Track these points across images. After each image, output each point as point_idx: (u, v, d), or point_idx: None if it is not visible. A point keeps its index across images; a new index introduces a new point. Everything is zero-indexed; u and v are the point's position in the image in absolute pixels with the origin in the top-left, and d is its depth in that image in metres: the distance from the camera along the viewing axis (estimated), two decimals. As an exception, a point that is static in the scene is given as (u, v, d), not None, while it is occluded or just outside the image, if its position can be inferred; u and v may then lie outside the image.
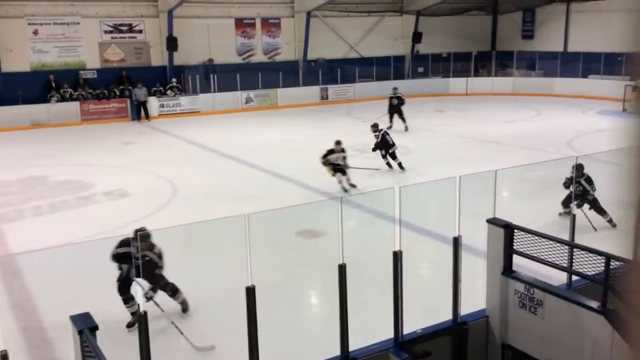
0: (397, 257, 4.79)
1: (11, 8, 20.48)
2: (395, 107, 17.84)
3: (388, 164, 12.87)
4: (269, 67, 25.02)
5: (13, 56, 20.71)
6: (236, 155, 14.76)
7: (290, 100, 24.01)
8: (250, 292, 4.14)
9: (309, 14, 25.52)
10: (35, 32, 21.20)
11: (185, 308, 6.53)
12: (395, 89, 18.37)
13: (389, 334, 4.91)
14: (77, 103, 20.77)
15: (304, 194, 11.13)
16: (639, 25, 0.63)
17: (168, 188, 11.97)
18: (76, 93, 21.14)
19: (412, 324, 5.05)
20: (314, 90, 25.05)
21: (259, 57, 25.60)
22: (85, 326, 3.56)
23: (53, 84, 20.87)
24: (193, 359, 5.79)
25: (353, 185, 11.53)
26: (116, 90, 21.83)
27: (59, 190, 11.99)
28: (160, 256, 6.20)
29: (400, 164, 12.77)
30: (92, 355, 3.45)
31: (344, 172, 11.45)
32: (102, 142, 17.19)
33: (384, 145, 12.82)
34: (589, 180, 8.82)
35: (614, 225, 8.85)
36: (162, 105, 22.05)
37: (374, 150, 12.96)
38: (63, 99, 20.81)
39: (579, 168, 8.60)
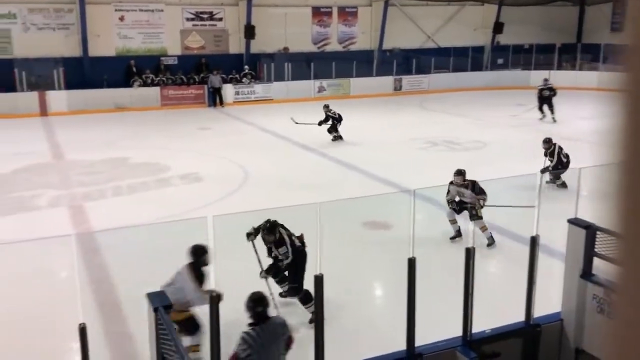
0: (469, 253, 4.65)
1: (100, -5, 21.43)
2: (547, 99, 17.60)
3: (335, 137, 15.13)
4: (343, 57, 24.95)
5: (100, 41, 21.69)
6: (307, 144, 14.83)
7: (363, 90, 23.87)
8: (319, 281, 4.13)
9: (386, 3, 25.21)
10: (122, 19, 22.10)
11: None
12: (545, 80, 18.07)
13: (457, 331, 4.79)
14: (157, 88, 21.53)
15: (372, 184, 11.03)
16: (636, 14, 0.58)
17: (240, 174, 12.20)
18: (157, 79, 21.91)
19: (482, 323, 4.89)
20: (388, 81, 24.78)
21: (334, 46, 25.58)
22: (160, 304, 3.67)
23: (134, 69, 21.71)
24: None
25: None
26: (195, 77, 22.46)
27: (138, 172, 12.48)
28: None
29: (338, 137, 15.09)
30: (165, 333, 3.55)
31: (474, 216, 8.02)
32: (180, 127, 17.74)
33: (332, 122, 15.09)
34: (552, 154, 10.26)
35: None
36: (237, 93, 22.49)
37: (319, 124, 14.93)
38: (145, 84, 21.62)
39: (547, 141, 10.33)
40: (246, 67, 23.17)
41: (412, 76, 25.35)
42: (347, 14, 25.67)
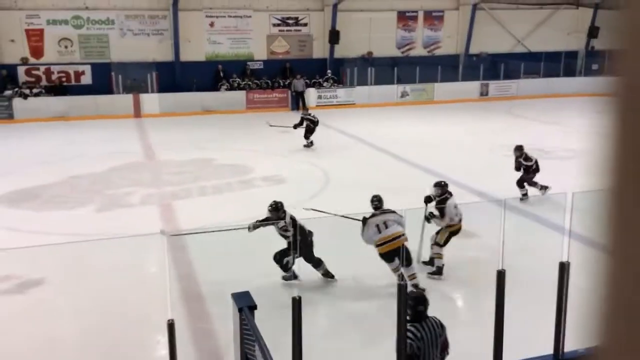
0: (563, 268, 4.38)
1: (193, 1, 22.25)
2: None
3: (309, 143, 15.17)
4: (427, 61, 24.56)
5: (191, 47, 22.54)
6: (389, 149, 14.68)
7: (447, 96, 23.38)
8: (402, 289, 4.03)
9: (474, 7, 24.60)
10: (212, 25, 22.87)
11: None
12: None
13: (548, 349, 4.53)
14: (243, 92, 22.09)
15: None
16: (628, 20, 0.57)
17: (321, 177, 12.24)
18: (243, 83, 22.48)
19: (574, 342, 4.60)
20: (474, 86, 24.14)
21: (418, 50, 25.24)
22: (245, 304, 3.70)
23: (221, 74, 22.40)
24: (341, 333, 5.84)
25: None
26: (280, 81, 22.87)
27: (223, 173, 12.81)
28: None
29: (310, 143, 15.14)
30: (249, 333, 3.58)
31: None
32: (263, 130, 18.07)
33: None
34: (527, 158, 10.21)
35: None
36: (319, 97, 22.65)
37: (294, 127, 15.30)
38: (232, 88, 22.24)
39: (518, 149, 10.32)
40: (329, 71, 23.32)
41: (500, 81, 24.55)
42: (433, 18, 25.26)
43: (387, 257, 6.81)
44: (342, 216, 7.45)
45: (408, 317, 4.15)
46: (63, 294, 7.12)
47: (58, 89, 20.95)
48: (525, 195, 10.31)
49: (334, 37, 23.30)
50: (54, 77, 21.41)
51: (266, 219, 7.20)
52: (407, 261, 6.76)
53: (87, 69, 21.77)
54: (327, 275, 7.23)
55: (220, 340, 5.86)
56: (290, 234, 6.99)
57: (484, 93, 24.13)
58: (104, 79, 21.44)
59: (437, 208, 7.40)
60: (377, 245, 6.79)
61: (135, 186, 11.74)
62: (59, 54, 21.61)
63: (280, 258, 7.11)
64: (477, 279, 6.94)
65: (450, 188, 7.65)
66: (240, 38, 23.29)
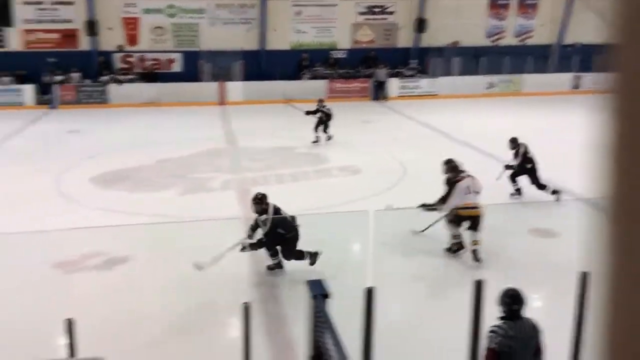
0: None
1: (281, -10, 22.59)
2: None
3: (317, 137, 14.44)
4: (517, 51, 23.61)
5: (276, 35, 22.89)
6: (471, 142, 14.27)
7: (537, 87, 22.41)
8: (479, 285, 3.91)
9: (571, -6, 23.39)
10: (298, 13, 23.10)
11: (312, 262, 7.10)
12: None
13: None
14: (325, 81, 22.19)
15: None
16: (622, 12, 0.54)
17: (399, 168, 12.11)
18: (326, 72, 22.58)
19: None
20: (565, 78, 22.99)
21: (509, 39, 24.33)
22: (319, 292, 3.75)
23: (305, 63, 22.60)
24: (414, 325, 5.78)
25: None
26: (362, 70, 22.78)
27: (300, 161, 12.97)
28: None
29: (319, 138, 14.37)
30: (322, 321, 3.63)
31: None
32: (343, 120, 18.08)
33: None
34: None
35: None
36: (401, 87, 22.37)
37: (306, 114, 14.46)
38: (314, 77, 22.40)
39: (513, 141, 9.89)
40: (413, 61, 22.96)
41: (596, 74, 23.22)
42: (527, 6, 24.22)
43: (457, 221, 7.14)
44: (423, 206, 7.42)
45: (502, 315, 4.06)
46: (147, 271, 7.48)
47: (150, 75, 21.93)
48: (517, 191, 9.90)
49: (420, 25, 22.90)
50: (147, 64, 22.43)
51: (251, 226, 7.11)
52: (476, 227, 7.11)
53: (178, 56, 22.65)
54: (314, 257, 7.10)
55: (293, 325, 5.96)
56: (266, 229, 6.92)
57: (576, 86, 22.93)
58: (193, 66, 22.23)
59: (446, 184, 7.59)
60: (457, 208, 7.02)
61: (216, 171, 12.12)
62: (153, 42, 22.60)
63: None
64: (553, 280, 6.64)
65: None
66: (325, 27, 23.38)
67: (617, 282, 0.55)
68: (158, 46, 22.62)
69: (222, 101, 21.34)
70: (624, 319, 0.55)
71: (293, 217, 7.10)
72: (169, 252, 7.93)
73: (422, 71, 23.08)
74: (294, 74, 22.46)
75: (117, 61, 22.38)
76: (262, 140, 14.87)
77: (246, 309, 4.26)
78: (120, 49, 22.32)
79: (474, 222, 7.06)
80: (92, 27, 21.56)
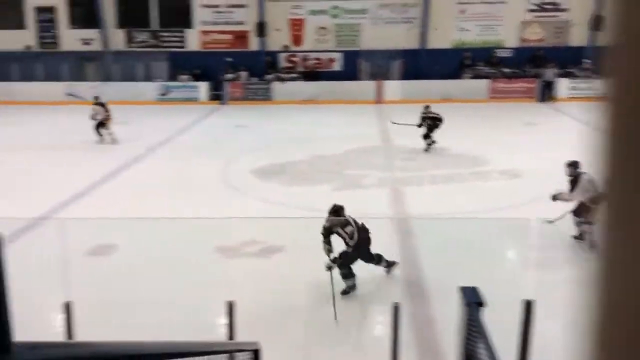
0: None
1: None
2: None
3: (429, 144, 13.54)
4: None
5: (437, 34, 22.48)
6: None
7: None
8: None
9: None
10: (462, 12, 22.48)
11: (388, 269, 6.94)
12: None
13: None
14: (487, 81, 21.33)
15: None
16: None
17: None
18: (488, 71, 21.70)
19: None
20: None
21: None
22: (473, 300, 3.58)
23: (467, 62, 21.90)
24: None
25: None
26: (529, 69, 21.54)
27: (456, 163, 12.57)
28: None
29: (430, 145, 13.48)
30: (475, 331, 3.46)
31: None
32: (505, 121, 17.28)
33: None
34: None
35: None
36: (572, 88, 20.78)
37: (419, 126, 13.66)
38: (476, 77, 21.65)
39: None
40: (587, 60, 21.20)
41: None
42: None
43: (586, 211, 7.57)
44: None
45: None
46: (300, 263, 7.73)
47: (311, 74, 22.73)
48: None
49: (597, 22, 21.06)
50: (309, 63, 23.28)
51: (326, 241, 6.78)
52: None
53: (339, 56, 23.19)
54: (390, 266, 6.94)
55: (441, 330, 5.79)
56: (354, 241, 6.64)
57: None
58: (353, 65, 22.63)
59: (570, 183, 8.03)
60: (590, 200, 7.52)
61: (370, 169, 12.19)
62: (316, 42, 23.39)
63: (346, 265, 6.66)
64: None
65: None
66: (490, 25, 22.48)
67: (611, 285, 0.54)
68: (320, 46, 23.36)
69: (379, 100, 21.46)
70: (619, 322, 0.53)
71: (363, 224, 6.88)
72: (319, 245, 8.11)
73: (597, 72, 21.21)
74: (455, 73, 21.89)
75: (282, 60, 23.50)
76: (417, 140, 14.67)
77: (396, 309, 4.21)
78: (285, 49, 23.41)
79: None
80: (261, 28, 22.87)
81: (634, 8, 0.53)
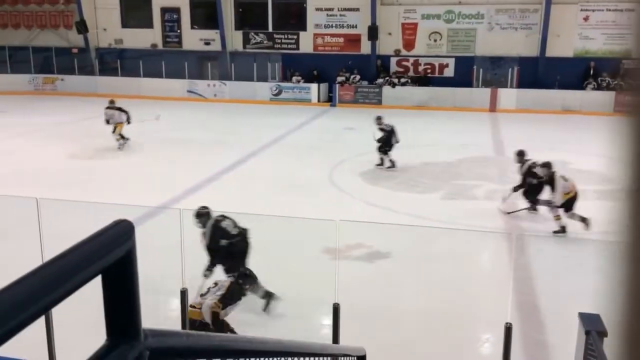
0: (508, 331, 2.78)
1: (567, -6, 21.01)
2: None
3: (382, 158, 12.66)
4: None
5: (558, 42, 21.35)
6: None
7: None
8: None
9: None
10: (586, 19, 21.20)
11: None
12: None
13: None
14: (612, 93, 19.96)
15: None
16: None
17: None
18: (614, 82, 20.31)
19: None
20: None
21: None
22: (594, 328, 3.32)
23: (592, 72, 20.62)
24: None
25: None
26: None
27: (577, 179, 11.82)
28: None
29: (390, 161, 12.57)
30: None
31: None
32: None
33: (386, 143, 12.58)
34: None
35: None
36: None
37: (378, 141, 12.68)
38: (599, 88, 20.34)
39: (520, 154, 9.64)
40: None
41: None
42: None
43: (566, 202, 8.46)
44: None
45: None
46: (405, 270, 7.61)
47: (422, 79, 22.41)
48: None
49: None
50: (420, 68, 22.96)
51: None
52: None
53: (451, 61, 22.68)
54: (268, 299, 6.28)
55: (555, 356, 5.46)
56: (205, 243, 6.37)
57: None
58: (466, 72, 22.03)
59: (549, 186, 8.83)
60: (565, 193, 8.44)
61: (481, 180, 11.78)
62: (428, 47, 23.03)
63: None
64: None
65: None
66: (618, 34, 21.01)
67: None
68: (433, 51, 22.97)
69: (493, 108, 20.74)
70: None
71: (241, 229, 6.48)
72: (428, 254, 7.94)
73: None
74: (576, 84, 20.68)
75: (393, 64, 23.36)
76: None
77: (508, 330, 4.00)
78: (397, 53, 23.25)
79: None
80: (373, 32, 22.87)
81: None
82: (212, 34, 24.88)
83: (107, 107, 14.44)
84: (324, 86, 22.91)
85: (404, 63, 23.28)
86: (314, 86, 22.88)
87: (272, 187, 11.10)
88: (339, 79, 22.93)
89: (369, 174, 12.25)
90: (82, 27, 25.30)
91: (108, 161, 13.34)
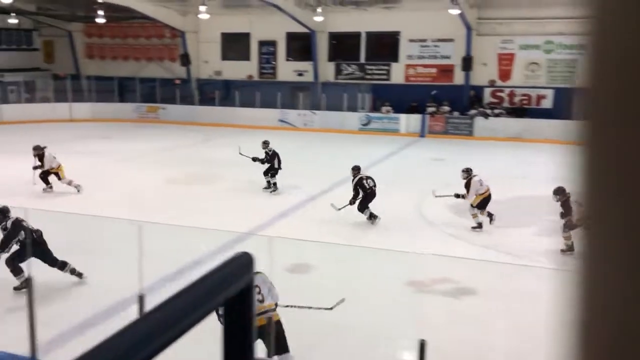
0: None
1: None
2: None
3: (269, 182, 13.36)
4: None
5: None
6: None
7: None
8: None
9: None
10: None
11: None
12: None
13: None
14: None
15: None
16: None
17: None
18: None
19: None
20: None
21: None
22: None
23: None
24: None
25: None
26: None
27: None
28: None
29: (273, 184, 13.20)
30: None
31: None
32: None
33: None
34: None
35: None
36: None
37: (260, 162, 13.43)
38: None
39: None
40: None
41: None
42: None
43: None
44: None
45: None
46: (492, 307, 7.33)
47: (518, 110, 21.75)
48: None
49: None
50: (516, 99, 22.32)
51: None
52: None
53: (550, 93, 21.89)
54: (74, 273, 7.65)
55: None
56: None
57: None
58: (565, 104, 21.14)
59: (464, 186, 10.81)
60: (479, 194, 10.62)
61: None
62: (525, 78, 22.39)
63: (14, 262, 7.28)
64: None
65: None
66: None
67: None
68: (530, 82, 22.29)
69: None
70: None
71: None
72: (515, 292, 7.61)
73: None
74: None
75: (487, 95, 22.88)
76: None
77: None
78: (491, 84, 22.78)
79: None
80: (467, 62, 22.57)
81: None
82: (306, 65, 25.56)
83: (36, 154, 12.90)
84: (414, 117, 22.80)
85: (499, 94, 22.73)
86: (403, 116, 22.83)
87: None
88: (429, 109, 22.75)
89: (458, 207, 11.97)
90: (185, 60, 26.86)
91: (203, 186, 13.92)
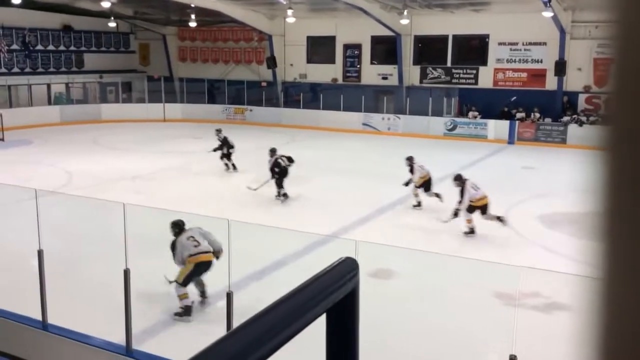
0: None
1: None
2: None
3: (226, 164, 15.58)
4: None
5: None
6: None
7: None
8: None
9: None
10: None
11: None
12: None
13: None
14: None
15: None
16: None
17: None
18: None
19: None
20: None
21: None
22: None
23: None
24: None
25: None
26: None
27: None
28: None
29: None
30: None
31: None
32: None
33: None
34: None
35: None
36: None
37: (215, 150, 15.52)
38: None
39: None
40: None
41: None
42: None
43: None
44: None
45: None
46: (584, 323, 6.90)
47: (615, 118, 20.55)
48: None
49: None
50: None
51: None
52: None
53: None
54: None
55: None
56: None
57: None
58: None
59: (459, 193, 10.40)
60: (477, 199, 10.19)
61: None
62: (623, 83, 21.11)
63: None
64: None
65: None
66: None
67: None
68: (629, 87, 20.98)
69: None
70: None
71: None
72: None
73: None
74: None
75: (581, 102, 21.74)
76: None
77: None
78: (586, 90, 21.63)
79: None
80: (561, 67, 21.55)
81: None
82: (390, 68, 25.34)
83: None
84: (502, 123, 22.03)
85: (595, 100, 21.52)
86: (491, 122, 22.11)
87: (441, 225, 10.83)
88: (519, 115, 21.90)
89: (549, 218, 11.42)
90: (272, 63, 27.36)
91: (290, 188, 14.07)
